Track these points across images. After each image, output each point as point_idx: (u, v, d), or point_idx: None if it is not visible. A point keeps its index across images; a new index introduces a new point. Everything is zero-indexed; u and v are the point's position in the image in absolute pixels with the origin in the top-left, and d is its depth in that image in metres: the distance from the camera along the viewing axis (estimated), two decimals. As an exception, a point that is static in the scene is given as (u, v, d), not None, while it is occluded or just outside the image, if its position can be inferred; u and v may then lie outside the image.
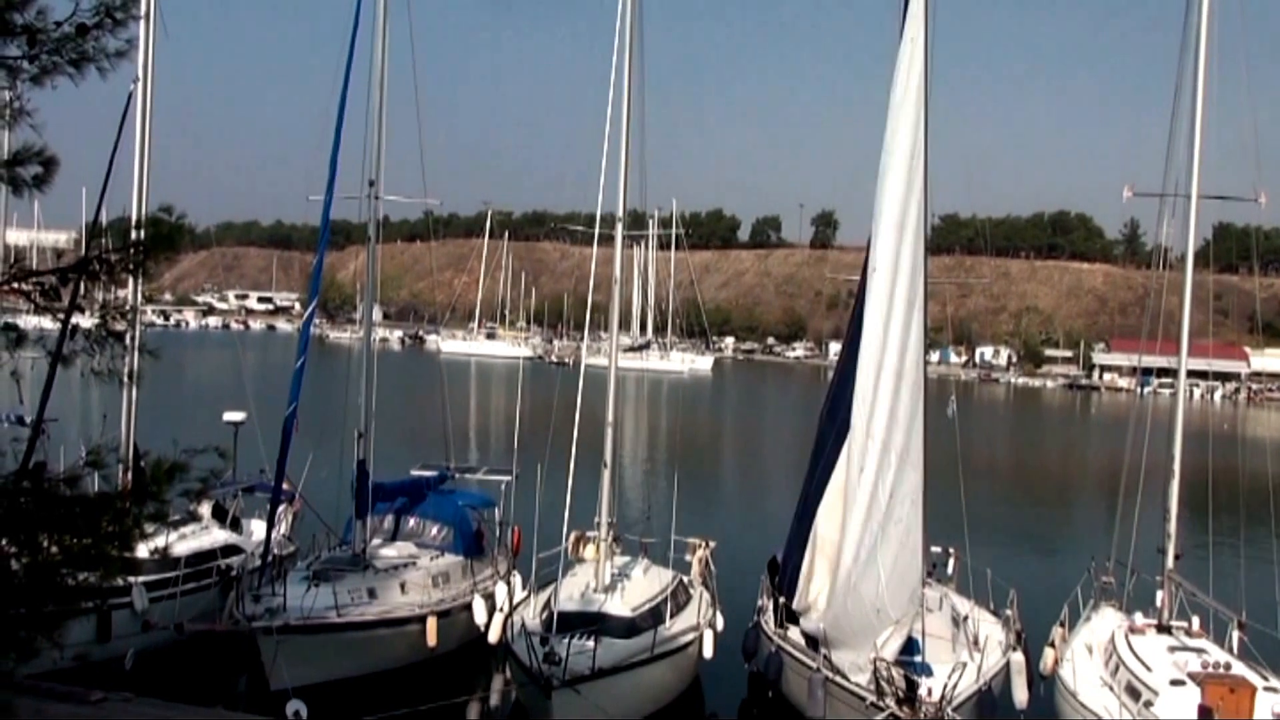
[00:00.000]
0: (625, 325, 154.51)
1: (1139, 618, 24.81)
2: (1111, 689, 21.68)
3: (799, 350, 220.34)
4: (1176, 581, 25.27)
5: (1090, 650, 23.65)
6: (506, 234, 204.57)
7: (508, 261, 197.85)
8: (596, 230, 27.92)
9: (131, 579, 23.46)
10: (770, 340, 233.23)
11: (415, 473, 32.60)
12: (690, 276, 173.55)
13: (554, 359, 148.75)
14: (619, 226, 28.03)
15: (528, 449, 32.61)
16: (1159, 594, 25.34)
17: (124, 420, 27.46)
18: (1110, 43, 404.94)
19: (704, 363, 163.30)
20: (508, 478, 32.01)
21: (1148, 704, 20.41)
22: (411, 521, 30.33)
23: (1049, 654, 24.16)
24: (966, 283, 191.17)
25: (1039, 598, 27.62)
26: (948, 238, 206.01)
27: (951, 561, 28.74)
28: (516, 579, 27.18)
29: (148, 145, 28.24)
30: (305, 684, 22.35)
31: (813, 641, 23.23)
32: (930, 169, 23.11)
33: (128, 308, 10.10)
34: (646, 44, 28.38)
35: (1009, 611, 24.74)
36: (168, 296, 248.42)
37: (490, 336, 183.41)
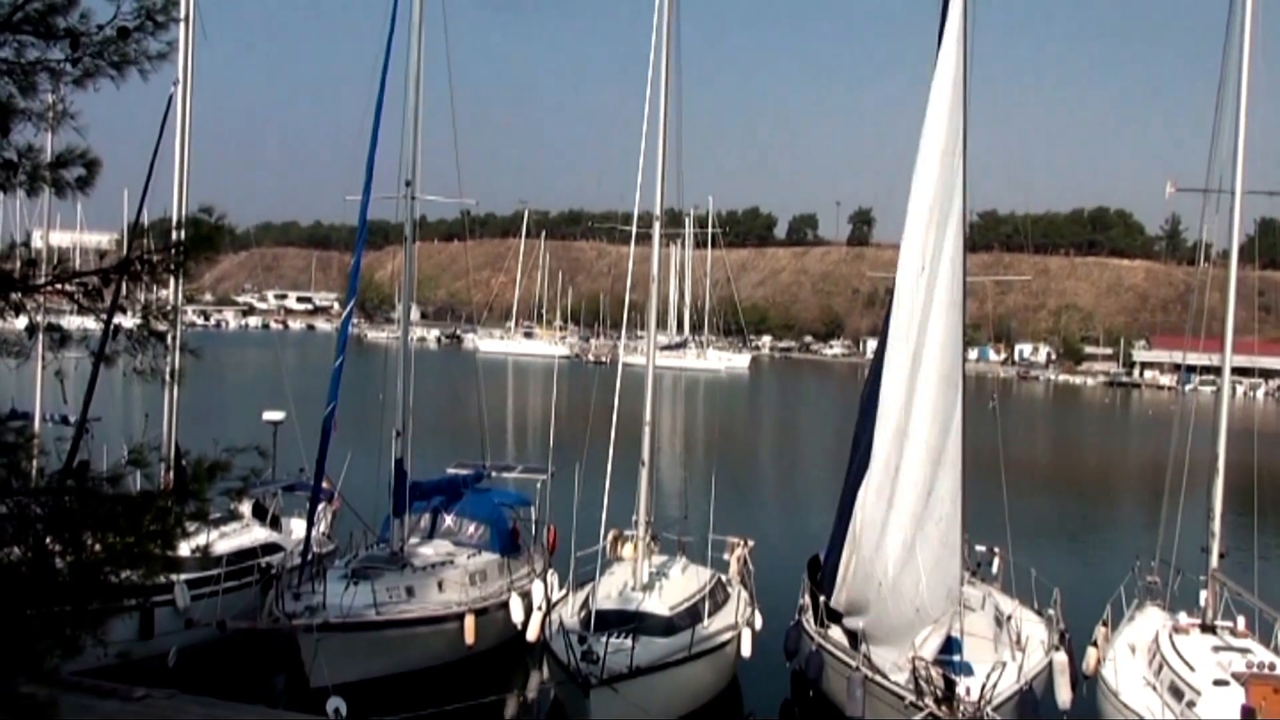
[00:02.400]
0: (662, 324, 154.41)
1: (1183, 617, 24.55)
2: (1154, 689, 21.46)
3: (836, 348, 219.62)
4: (1221, 581, 24.97)
5: (1133, 650, 23.42)
6: (543, 233, 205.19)
7: (544, 261, 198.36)
8: (634, 229, 27.92)
9: (173, 577, 23.68)
10: (807, 338, 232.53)
11: (451, 471, 32.71)
12: (727, 275, 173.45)
13: (591, 358, 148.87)
14: (656, 225, 28.00)
15: (564, 448, 32.65)
16: (1203, 593, 25.04)
17: (165, 419, 27.68)
18: (1153, 36, 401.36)
19: (741, 361, 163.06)
20: (543, 476, 32.08)
21: (1190, 704, 20.19)
22: (448, 520, 30.44)
23: (1091, 653, 23.95)
24: (1005, 279, 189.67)
25: (1083, 597, 27.38)
26: (986, 235, 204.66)
27: (996, 560, 28.54)
28: (553, 577, 27.25)
29: (188, 147, 28.48)
30: (345, 681, 22.47)
31: (854, 640, 23.15)
32: (969, 165, 22.98)
33: (169, 308, 10.16)
34: (683, 42, 28.33)
35: (1052, 611, 24.54)
36: (208, 297, 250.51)
37: (528, 336, 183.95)
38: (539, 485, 32.14)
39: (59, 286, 9.58)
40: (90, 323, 10.09)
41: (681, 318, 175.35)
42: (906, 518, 22.61)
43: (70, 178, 9.55)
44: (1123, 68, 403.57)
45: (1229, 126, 25.70)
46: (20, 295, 9.34)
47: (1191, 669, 21.18)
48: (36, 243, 37.53)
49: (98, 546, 9.15)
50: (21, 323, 9.56)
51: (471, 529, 30.07)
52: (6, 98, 9.10)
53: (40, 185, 9.51)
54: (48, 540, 9.17)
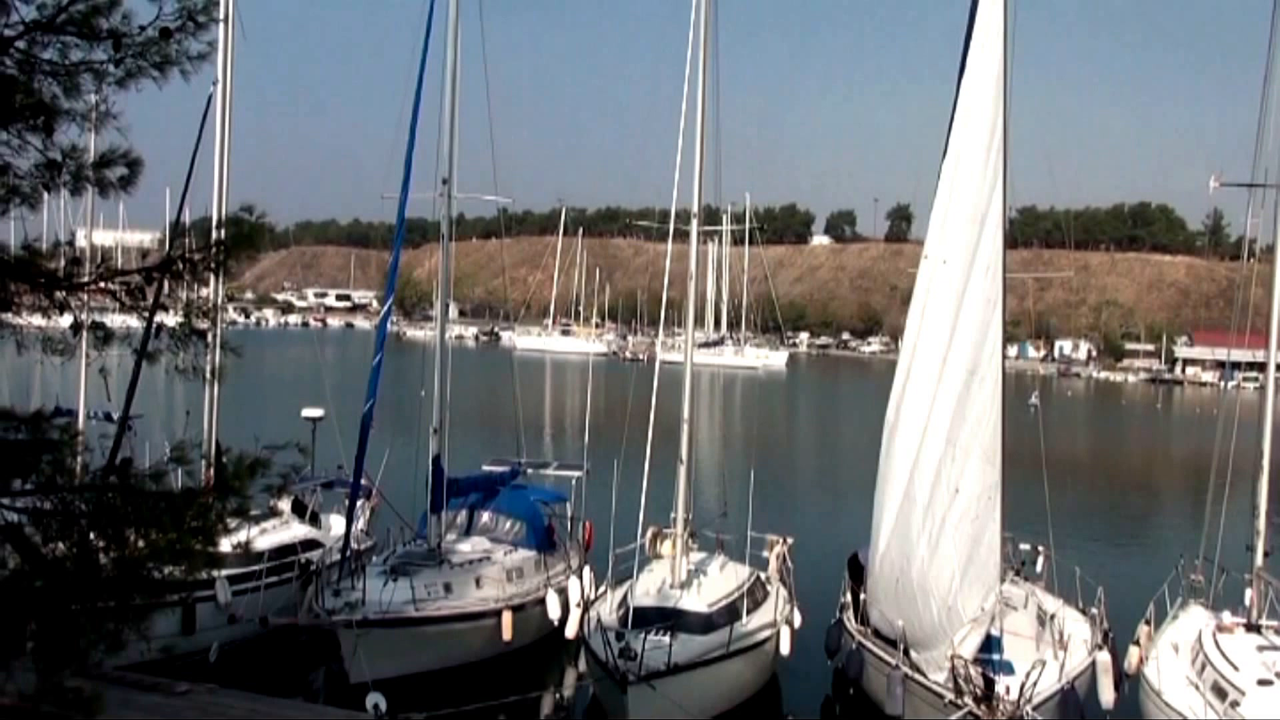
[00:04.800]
0: (699, 321, 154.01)
1: (1227, 616, 24.29)
2: (1198, 688, 21.23)
3: (875, 345, 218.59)
4: (1266, 580, 24.70)
5: (1177, 649, 23.20)
6: (581, 231, 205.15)
7: (582, 258, 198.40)
8: (671, 226, 27.90)
9: (215, 573, 23.88)
10: (845, 335, 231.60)
11: (487, 468, 32.82)
12: (764, 272, 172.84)
13: (628, 355, 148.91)
14: (694, 223, 27.93)
15: (601, 445, 32.67)
16: (1248, 592, 24.79)
17: (206, 416, 27.89)
18: (1196, 29, 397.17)
19: (778, 358, 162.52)
20: (578, 473, 32.17)
21: (1234, 704, 19.97)
22: (485, 517, 30.53)
23: (1134, 652, 23.74)
24: (1045, 276, 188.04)
25: (1127, 595, 27.13)
26: (1026, 231, 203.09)
27: (1040, 559, 28.34)
28: (588, 573, 27.29)
29: (228, 146, 28.67)
30: (384, 677, 22.57)
31: (888, 637, 23.07)
32: (1007, 160, 22.81)
33: (210, 306, 10.22)
34: (720, 39, 28.27)
35: (1095, 610, 24.34)
36: (248, 295, 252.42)
37: (565, 333, 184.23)
38: (574, 482, 32.21)
39: (102, 285, 9.67)
40: (133, 321, 10.17)
41: (719, 315, 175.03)
42: (939, 517, 22.48)
43: (113, 177, 9.62)
44: (1165, 61, 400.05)
45: (1274, 120, 25.43)
46: (65, 294, 9.44)
47: (1235, 668, 20.95)
48: (80, 242, 37.89)
49: (141, 543, 9.22)
50: (66, 321, 9.66)
51: (508, 526, 30.15)
52: (51, 99, 9.19)
53: (84, 185, 9.59)
54: (92, 536, 9.26)
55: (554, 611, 26.05)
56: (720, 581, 26.36)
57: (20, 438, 9.32)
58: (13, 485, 9.29)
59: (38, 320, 9.70)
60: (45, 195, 9.64)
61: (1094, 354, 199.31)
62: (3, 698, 9.61)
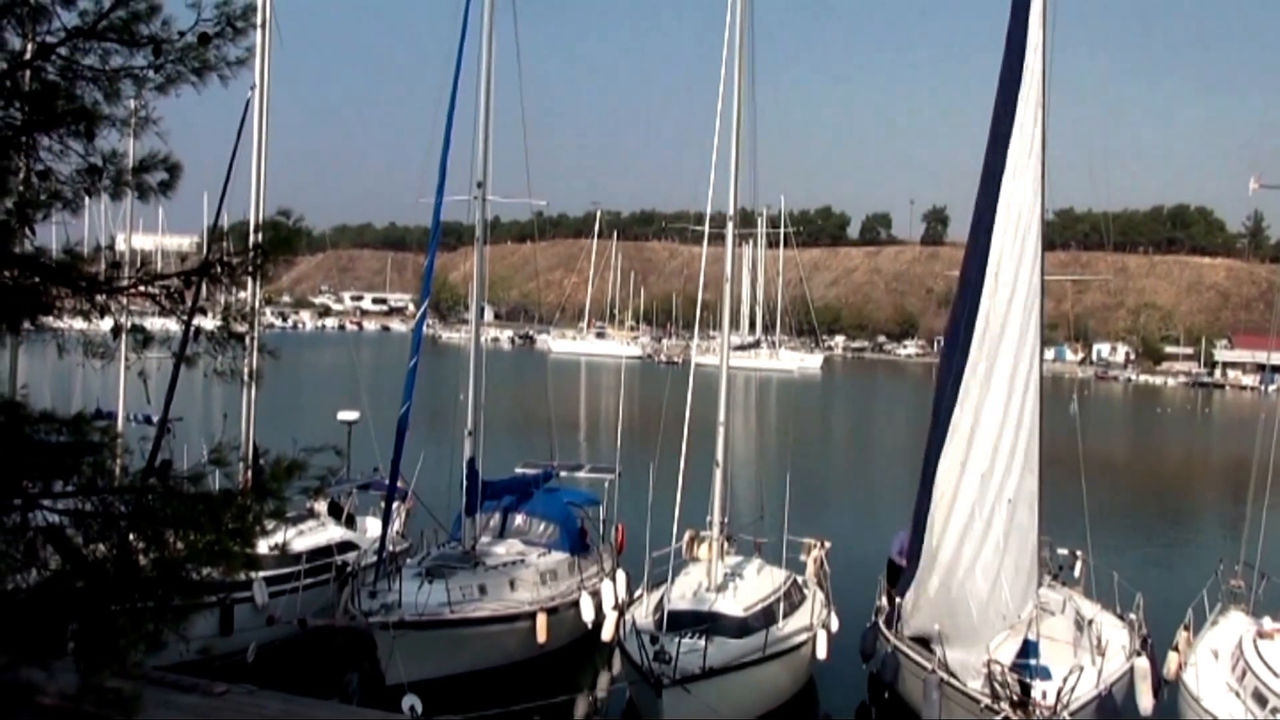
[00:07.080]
0: (734, 324, 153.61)
1: (1267, 622, 23.98)
2: (1238, 695, 21.01)
3: (910, 348, 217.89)
4: (1307, 585, 24.43)
5: (1216, 655, 22.95)
6: (615, 234, 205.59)
7: (617, 261, 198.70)
8: (706, 229, 27.85)
9: (252, 575, 24.04)
10: (881, 338, 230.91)
11: (520, 471, 32.89)
12: (799, 274, 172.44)
13: (663, 358, 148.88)
14: (730, 225, 27.87)
15: (635, 448, 32.66)
16: (1289, 598, 24.54)
17: (244, 419, 28.07)
18: (1235, 29, 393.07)
19: (813, 361, 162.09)
20: (611, 475, 32.16)
21: (1275, 711, 19.75)
22: (519, 519, 30.58)
23: (1173, 658, 23.50)
24: (1083, 278, 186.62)
25: (1166, 600, 26.88)
26: (1063, 233, 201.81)
27: (1078, 564, 28.11)
28: (622, 576, 27.27)
29: (265, 150, 28.84)
30: (420, 679, 22.66)
31: (924, 642, 22.94)
32: (1045, 163, 22.67)
33: (248, 309, 10.29)
34: (756, 41, 28.20)
35: (1134, 615, 24.13)
36: (286, 298, 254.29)
37: (600, 336, 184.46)
38: (607, 485, 32.23)
39: (142, 289, 9.73)
40: (172, 324, 10.25)
41: (754, 318, 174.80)
42: (979, 521, 22.35)
43: (153, 182, 9.69)
44: (1206, 62, 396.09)
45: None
46: (105, 297, 9.50)
47: (1276, 675, 20.70)
48: (120, 246, 38.36)
49: (180, 544, 9.27)
50: (106, 324, 9.74)
51: (541, 528, 30.18)
52: (92, 104, 9.27)
53: (124, 190, 9.66)
54: (131, 537, 9.33)
55: (588, 614, 26.06)
56: (756, 585, 26.29)
57: (61, 440, 9.40)
58: (54, 487, 9.38)
59: (78, 324, 9.79)
60: (86, 200, 9.72)
61: (1132, 357, 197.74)
62: (44, 698, 9.71)
